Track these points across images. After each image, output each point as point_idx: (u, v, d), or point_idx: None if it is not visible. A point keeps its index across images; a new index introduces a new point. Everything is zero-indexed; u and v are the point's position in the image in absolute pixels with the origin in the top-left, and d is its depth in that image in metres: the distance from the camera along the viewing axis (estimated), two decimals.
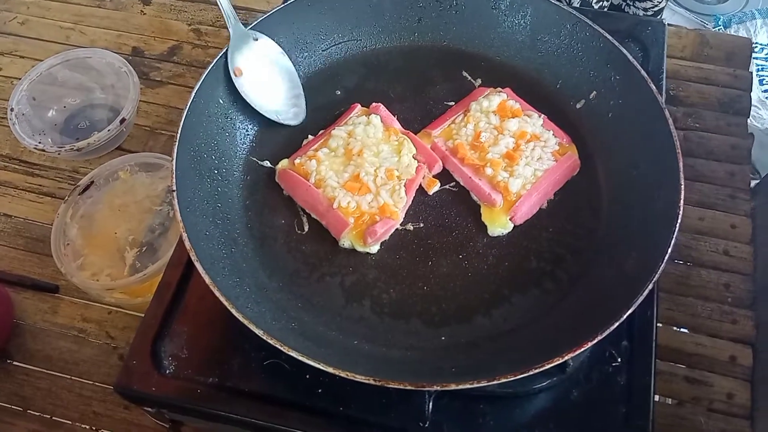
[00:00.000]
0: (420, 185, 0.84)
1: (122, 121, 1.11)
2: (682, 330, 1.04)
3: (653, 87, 0.78)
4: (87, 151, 1.10)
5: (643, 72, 0.79)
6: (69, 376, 0.99)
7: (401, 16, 0.93)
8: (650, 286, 0.66)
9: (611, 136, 0.84)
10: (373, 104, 0.88)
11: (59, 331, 1.01)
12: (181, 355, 0.77)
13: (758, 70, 2.25)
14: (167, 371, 0.76)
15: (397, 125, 0.87)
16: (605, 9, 1.30)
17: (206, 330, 0.78)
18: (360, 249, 0.80)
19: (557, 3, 0.86)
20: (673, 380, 0.99)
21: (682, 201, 0.71)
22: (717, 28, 2.32)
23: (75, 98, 1.22)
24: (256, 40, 0.87)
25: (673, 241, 0.69)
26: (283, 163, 0.85)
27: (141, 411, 0.82)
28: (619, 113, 0.84)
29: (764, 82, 2.22)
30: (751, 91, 1.25)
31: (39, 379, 0.98)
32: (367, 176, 0.81)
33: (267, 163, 0.86)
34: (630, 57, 0.81)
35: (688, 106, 1.23)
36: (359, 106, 0.88)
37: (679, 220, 0.70)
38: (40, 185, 1.15)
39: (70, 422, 0.96)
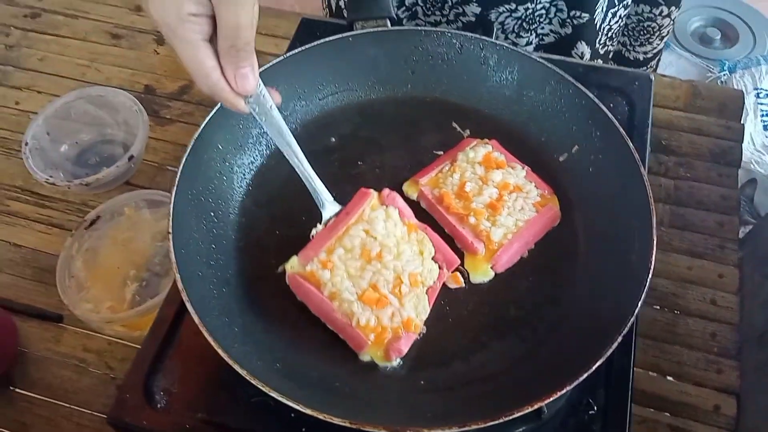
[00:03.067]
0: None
1: (130, 158, 1.16)
2: (667, 378, 1.06)
3: (631, 144, 0.81)
4: (96, 185, 1.15)
5: (621, 129, 0.83)
6: (68, 405, 1.02)
7: (395, 69, 0.97)
8: (619, 339, 0.69)
9: (591, 190, 0.87)
10: (385, 191, 0.84)
11: (61, 360, 1.05)
12: (172, 389, 0.80)
13: (763, 115, 2.27)
14: (159, 405, 0.79)
15: (413, 218, 0.84)
16: (610, 54, 1.34)
17: (198, 366, 0.81)
18: (382, 365, 0.76)
19: (542, 61, 0.90)
20: (657, 428, 1.01)
21: (653, 257, 0.74)
22: (723, 73, 2.36)
23: (88, 134, 1.27)
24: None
25: (643, 296, 0.72)
26: (293, 263, 0.80)
27: None
28: (599, 168, 0.87)
29: None
30: (743, 142, 1.27)
31: (39, 407, 1.01)
32: (386, 285, 0.77)
33: (281, 269, 0.82)
34: (609, 114, 0.84)
35: (680, 155, 1.26)
36: (374, 193, 0.83)
37: (650, 275, 0.73)
38: (49, 216, 1.19)
39: None
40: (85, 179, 1.14)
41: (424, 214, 0.89)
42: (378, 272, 0.78)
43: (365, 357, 0.77)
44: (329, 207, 0.83)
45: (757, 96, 2.31)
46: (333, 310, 0.77)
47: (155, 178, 1.23)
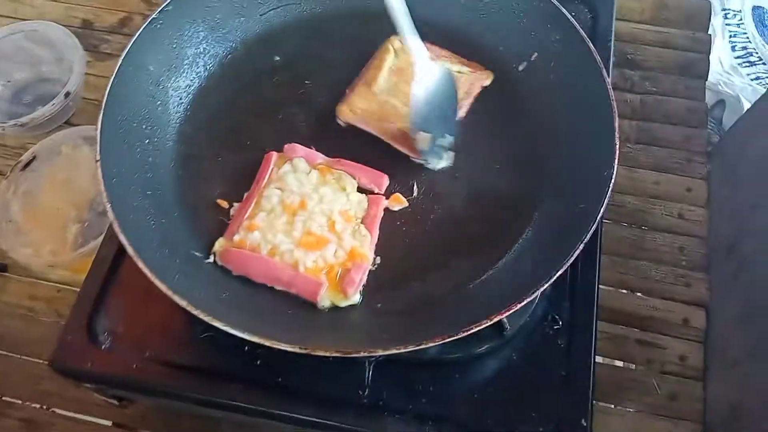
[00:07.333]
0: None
1: (67, 95, 1.09)
2: (635, 294, 1.04)
3: (590, 44, 0.77)
4: (32, 126, 1.09)
5: (581, 30, 0.78)
6: (18, 355, 0.98)
7: None
8: (581, 247, 0.66)
9: (553, 98, 0.83)
10: (286, 146, 0.82)
11: (7, 310, 1.01)
12: (117, 330, 0.77)
13: (731, 37, 2.23)
14: (103, 346, 0.76)
15: (322, 158, 0.82)
16: None
17: (142, 304, 0.77)
18: (343, 304, 0.73)
19: None
20: (626, 343, 1.00)
21: (616, 162, 0.71)
22: None
23: (22, 72, 1.20)
24: None
25: (605, 205, 0.69)
26: (220, 243, 0.76)
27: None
28: (560, 74, 0.83)
29: (736, 48, 2.21)
30: (710, 54, 1.24)
31: None
32: (321, 228, 0.76)
33: (211, 258, 0.76)
34: (568, 15, 0.79)
35: (645, 69, 1.22)
36: (274, 154, 0.81)
37: (612, 181, 0.69)
38: None
39: (20, 401, 0.95)
40: (20, 119, 1.08)
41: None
42: (308, 219, 0.76)
43: (325, 302, 0.73)
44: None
45: (725, 17, 2.26)
46: (276, 264, 0.74)
47: (97, 117, 1.16)
